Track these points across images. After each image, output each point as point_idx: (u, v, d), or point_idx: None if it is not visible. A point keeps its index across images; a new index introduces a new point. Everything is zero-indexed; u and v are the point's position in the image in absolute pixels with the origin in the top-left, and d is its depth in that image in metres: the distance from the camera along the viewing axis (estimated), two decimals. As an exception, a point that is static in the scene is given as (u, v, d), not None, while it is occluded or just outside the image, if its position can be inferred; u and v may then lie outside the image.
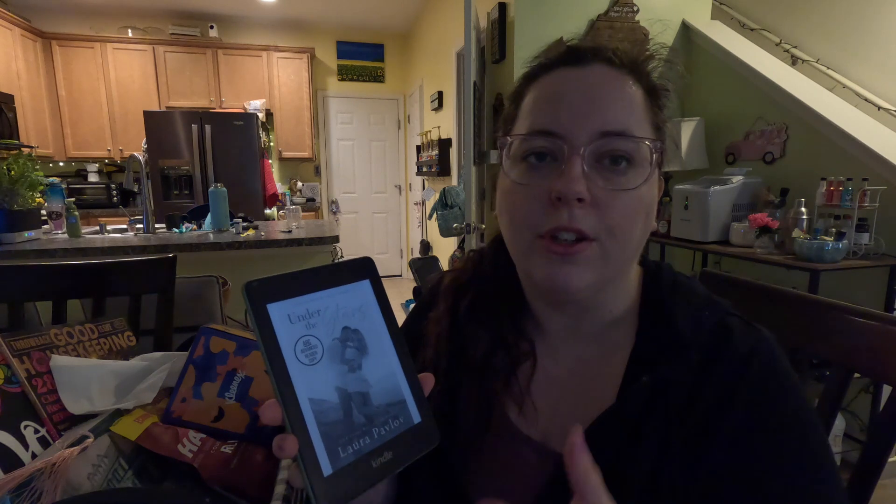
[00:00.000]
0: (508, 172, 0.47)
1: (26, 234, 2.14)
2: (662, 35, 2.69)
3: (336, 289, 0.35)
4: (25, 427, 0.62)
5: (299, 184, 5.12)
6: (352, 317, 0.36)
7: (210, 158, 4.10)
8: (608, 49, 0.47)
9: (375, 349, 0.36)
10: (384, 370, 0.36)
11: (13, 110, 3.74)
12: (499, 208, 0.50)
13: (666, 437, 0.43)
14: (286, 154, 4.90)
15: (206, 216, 2.58)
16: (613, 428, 0.44)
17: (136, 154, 2.53)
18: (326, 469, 0.31)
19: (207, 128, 4.07)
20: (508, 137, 0.48)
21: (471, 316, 0.53)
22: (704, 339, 0.45)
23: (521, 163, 0.46)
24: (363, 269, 0.38)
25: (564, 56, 0.47)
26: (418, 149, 4.75)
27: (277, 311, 0.32)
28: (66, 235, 2.34)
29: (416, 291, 3.51)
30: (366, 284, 0.37)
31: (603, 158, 0.43)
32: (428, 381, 0.39)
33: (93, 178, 4.55)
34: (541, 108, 0.46)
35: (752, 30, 2.83)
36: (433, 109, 4.25)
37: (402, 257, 5.76)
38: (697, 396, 0.43)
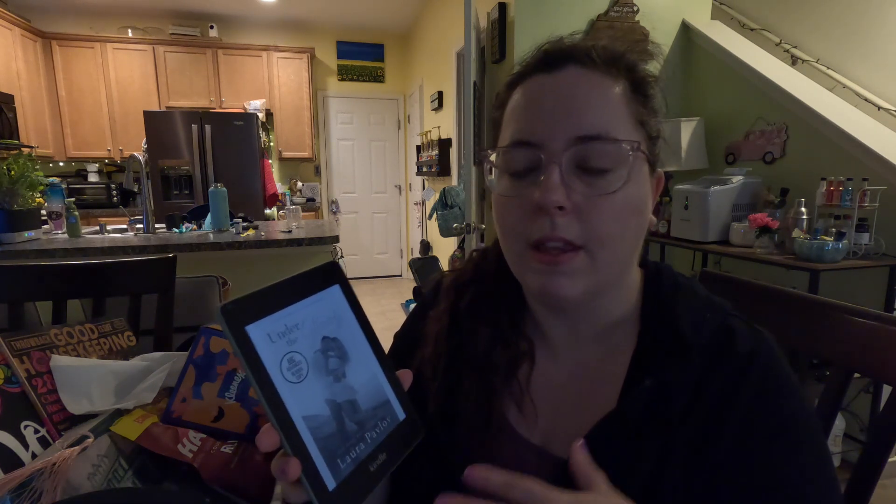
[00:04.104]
0: (495, 187, 0.48)
1: (26, 234, 2.14)
2: (662, 35, 2.68)
3: (309, 299, 0.34)
4: (25, 427, 0.62)
5: (299, 184, 5.12)
6: (328, 325, 0.35)
7: (210, 158, 4.10)
8: (582, 49, 0.46)
9: (355, 354, 0.36)
10: (367, 374, 0.36)
11: (13, 110, 3.74)
12: (494, 219, 0.51)
13: (668, 439, 0.42)
14: (286, 154, 4.90)
15: (206, 216, 2.57)
16: (615, 431, 0.43)
17: (136, 154, 2.52)
18: (330, 484, 0.31)
19: (207, 128, 4.07)
20: (490, 151, 0.49)
21: (471, 313, 0.53)
22: (707, 340, 0.45)
23: (505, 175, 0.47)
24: (331, 274, 0.37)
25: (537, 62, 0.47)
26: (418, 149, 4.75)
27: (257, 332, 0.31)
28: (66, 235, 2.34)
29: (416, 291, 3.50)
30: (336, 290, 0.37)
31: (582, 164, 0.43)
32: (406, 376, 0.40)
33: (93, 178, 4.55)
34: (517, 119, 0.46)
35: (752, 30, 2.83)
36: (433, 109, 4.25)
37: (402, 257, 5.76)
38: (699, 398, 0.43)
